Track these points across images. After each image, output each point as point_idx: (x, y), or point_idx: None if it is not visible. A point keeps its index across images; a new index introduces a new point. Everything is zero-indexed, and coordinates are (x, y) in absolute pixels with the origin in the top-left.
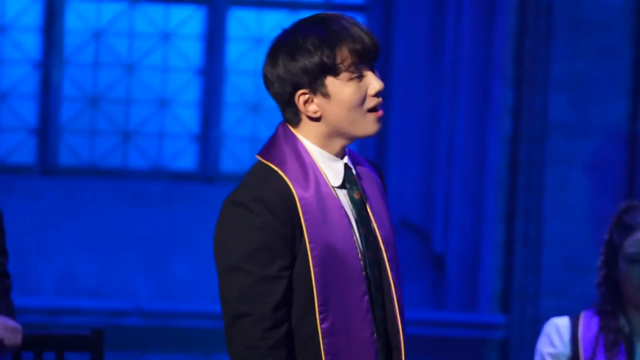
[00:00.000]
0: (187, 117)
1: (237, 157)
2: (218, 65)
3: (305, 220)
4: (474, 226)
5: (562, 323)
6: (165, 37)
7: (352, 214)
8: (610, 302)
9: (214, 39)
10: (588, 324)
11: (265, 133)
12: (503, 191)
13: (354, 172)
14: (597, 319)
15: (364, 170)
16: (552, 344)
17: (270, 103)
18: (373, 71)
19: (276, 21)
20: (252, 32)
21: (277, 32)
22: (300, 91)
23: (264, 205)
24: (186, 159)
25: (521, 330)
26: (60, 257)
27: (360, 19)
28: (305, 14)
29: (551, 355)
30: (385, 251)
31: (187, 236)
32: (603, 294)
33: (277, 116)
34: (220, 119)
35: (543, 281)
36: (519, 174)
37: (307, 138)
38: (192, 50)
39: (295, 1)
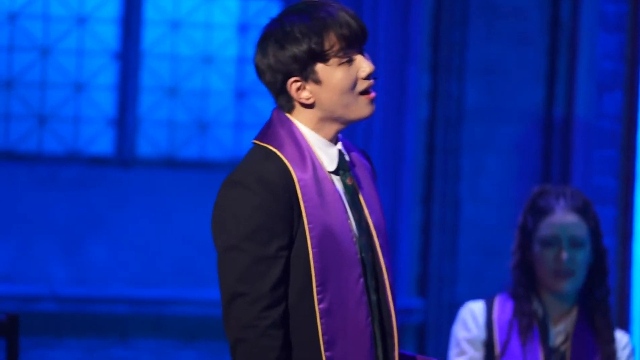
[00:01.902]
0: (104, 101)
1: (154, 141)
2: (134, 48)
3: (304, 202)
4: (391, 210)
5: (476, 307)
6: (81, 20)
7: (346, 199)
8: (524, 286)
9: (131, 23)
10: (503, 307)
11: (182, 117)
12: (420, 175)
13: (347, 158)
14: (512, 302)
15: (356, 157)
16: (467, 329)
17: (187, 87)
18: (362, 54)
19: (192, 5)
20: (169, 15)
21: (193, 15)
22: (292, 79)
23: (263, 185)
24: (102, 143)
25: (438, 314)
26: None
27: None
28: None
29: (466, 340)
30: (377, 237)
31: (103, 220)
32: (517, 278)
33: (194, 101)
34: (137, 102)
35: (460, 266)
36: (435, 159)
37: (302, 123)
38: (108, 34)
39: None
